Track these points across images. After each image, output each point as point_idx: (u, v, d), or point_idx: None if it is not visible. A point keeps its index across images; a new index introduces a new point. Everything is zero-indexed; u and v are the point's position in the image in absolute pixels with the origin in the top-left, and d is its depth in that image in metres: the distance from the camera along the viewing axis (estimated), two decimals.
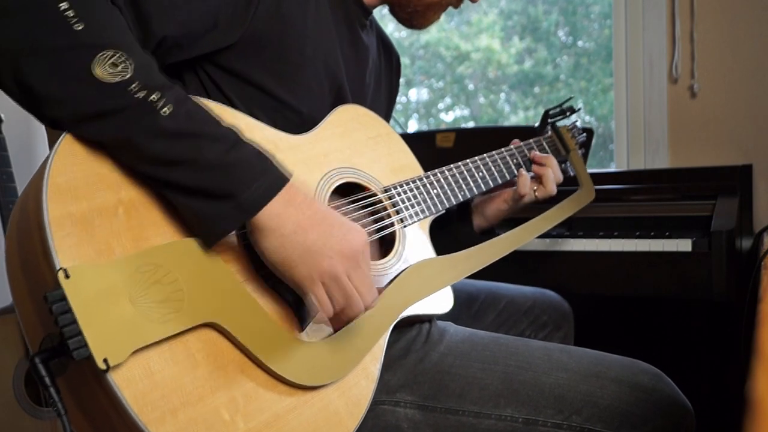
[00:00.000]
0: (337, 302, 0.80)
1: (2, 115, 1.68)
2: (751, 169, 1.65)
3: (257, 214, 0.74)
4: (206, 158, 0.72)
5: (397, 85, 1.32)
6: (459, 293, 1.25)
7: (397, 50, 1.31)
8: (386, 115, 1.27)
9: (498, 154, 1.22)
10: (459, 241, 1.18)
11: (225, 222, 0.73)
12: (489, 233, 1.28)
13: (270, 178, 0.75)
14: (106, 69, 0.69)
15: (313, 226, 0.77)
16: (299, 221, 0.76)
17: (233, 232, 0.81)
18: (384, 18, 1.17)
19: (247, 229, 0.78)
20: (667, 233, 1.41)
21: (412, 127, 3.04)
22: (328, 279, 0.78)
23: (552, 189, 1.23)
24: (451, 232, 1.23)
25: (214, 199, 0.72)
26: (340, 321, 0.83)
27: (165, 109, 0.71)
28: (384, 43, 1.25)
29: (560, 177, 1.25)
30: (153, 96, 0.71)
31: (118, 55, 0.70)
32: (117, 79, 0.69)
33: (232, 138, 0.75)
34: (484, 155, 1.20)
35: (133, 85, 0.70)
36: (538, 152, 1.26)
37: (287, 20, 0.93)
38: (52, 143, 0.71)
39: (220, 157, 0.72)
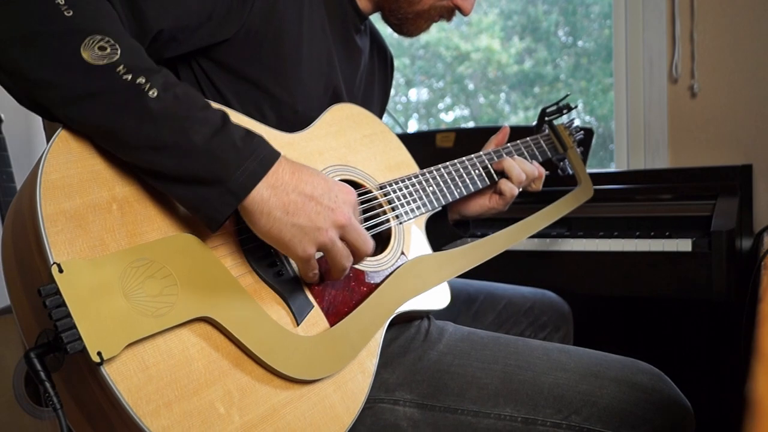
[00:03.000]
0: (336, 262, 0.82)
1: (2, 115, 1.68)
2: (751, 169, 1.65)
3: (245, 198, 0.74)
4: (192, 141, 0.71)
5: (391, 83, 1.33)
6: (458, 293, 1.25)
7: (390, 50, 1.32)
8: (380, 114, 1.28)
9: (495, 152, 1.22)
10: (431, 232, 1.16)
11: (218, 207, 0.73)
12: (463, 225, 1.27)
13: (256, 161, 0.74)
14: (94, 52, 0.70)
15: (302, 206, 0.77)
16: (286, 204, 0.76)
17: (230, 228, 0.81)
18: (379, 21, 1.18)
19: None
20: (667, 233, 1.41)
21: (412, 127, 3.04)
22: (324, 248, 0.80)
23: (518, 174, 1.18)
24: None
25: (202, 184, 0.72)
26: (340, 274, 0.84)
27: (151, 92, 0.71)
28: (378, 43, 1.26)
29: (527, 168, 1.21)
30: (139, 79, 0.71)
31: (106, 39, 0.71)
32: (104, 62, 0.70)
33: (218, 121, 0.74)
34: (480, 152, 1.19)
35: (120, 68, 0.70)
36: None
37: (283, 18, 0.94)
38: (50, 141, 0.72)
39: (205, 141, 0.72)
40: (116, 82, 0.70)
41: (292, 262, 0.86)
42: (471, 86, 2.95)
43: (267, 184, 0.75)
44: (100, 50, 0.70)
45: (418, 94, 3.07)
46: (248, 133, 0.76)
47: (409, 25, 1.13)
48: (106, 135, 0.72)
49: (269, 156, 0.76)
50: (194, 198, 0.73)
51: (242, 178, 0.73)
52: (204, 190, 0.72)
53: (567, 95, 1.36)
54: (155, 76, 0.72)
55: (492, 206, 1.22)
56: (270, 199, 0.75)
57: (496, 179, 1.20)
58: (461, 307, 1.28)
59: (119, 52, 0.71)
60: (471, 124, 2.93)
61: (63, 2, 0.70)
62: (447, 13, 1.13)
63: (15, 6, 0.70)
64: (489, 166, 1.19)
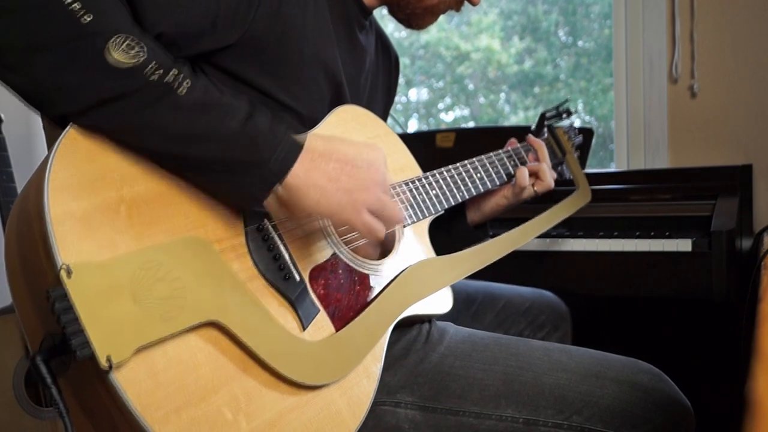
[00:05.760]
0: (389, 216, 0.87)
1: (2, 115, 1.68)
2: (751, 169, 1.65)
3: (288, 175, 0.77)
4: (229, 127, 0.74)
5: (396, 84, 1.32)
6: (457, 294, 1.25)
7: (396, 50, 1.31)
8: (383, 116, 1.28)
9: (496, 155, 1.22)
10: (451, 234, 1.21)
11: (259, 187, 0.75)
12: (482, 227, 1.29)
13: (290, 140, 0.78)
14: (121, 52, 0.69)
15: (343, 171, 0.81)
16: (328, 172, 0.80)
17: (238, 230, 0.81)
18: (384, 18, 1.18)
19: (281, 196, 0.79)
20: (667, 233, 1.41)
21: (412, 127, 3.04)
22: (373, 207, 0.83)
23: (549, 182, 1.24)
24: (443, 225, 1.23)
25: (243, 168, 0.74)
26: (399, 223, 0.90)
27: (184, 84, 0.72)
28: (383, 42, 1.25)
29: (553, 170, 1.27)
30: (172, 72, 0.72)
31: (131, 37, 0.70)
32: (135, 60, 0.70)
33: (246, 106, 0.77)
34: (482, 156, 1.20)
35: (151, 65, 0.71)
36: (531, 137, 1.29)
37: (287, 21, 0.93)
38: (50, 143, 0.71)
39: (240, 126, 0.74)
40: (148, 80, 0.70)
41: (299, 266, 0.86)
42: (471, 86, 2.95)
43: (306, 157, 0.78)
44: (128, 48, 0.70)
45: (418, 94, 3.07)
46: (275, 115, 0.79)
47: (417, 19, 1.13)
48: (137, 133, 0.72)
49: (298, 138, 0.79)
50: (235, 182, 0.75)
51: (281, 157, 0.76)
52: (244, 174, 0.75)
53: (567, 100, 1.37)
54: (184, 69, 0.74)
55: (507, 199, 1.25)
56: (311, 171, 0.79)
57: (498, 184, 1.22)
58: (460, 307, 1.28)
59: (146, 49, 0.71)
60: (471, 124, 2.93)
61: (79, 7, 0.69)
62: (455, 5, 1.13)
63: (28, 14, 0.68)
64: (490, 169, 1.20)
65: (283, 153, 0.76)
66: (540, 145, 1.28)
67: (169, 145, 0.73)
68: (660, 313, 1.75)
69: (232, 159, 0.74)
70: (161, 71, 0.71)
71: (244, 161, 0.74)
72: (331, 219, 0.84)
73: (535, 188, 1.23)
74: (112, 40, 0.69)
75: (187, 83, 0.72)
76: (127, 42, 0.70)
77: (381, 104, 1.26)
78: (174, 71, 0.72)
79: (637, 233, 1.44)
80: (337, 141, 0.83)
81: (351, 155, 0.82)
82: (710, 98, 1.92)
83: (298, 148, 0.78)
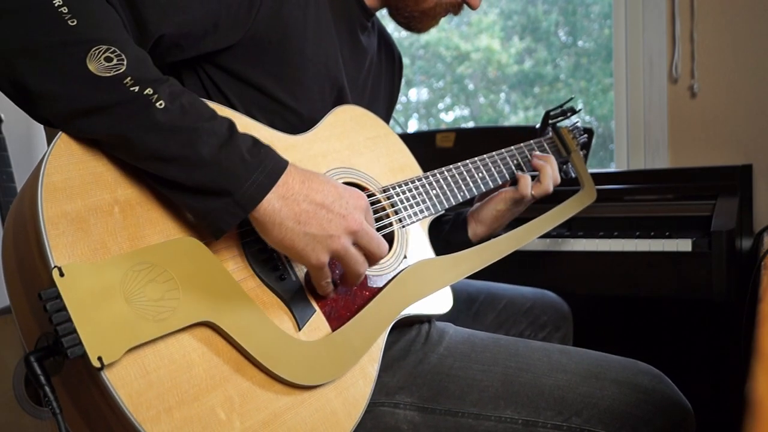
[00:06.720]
0: (351, 269, 0.82)
1: (2, 115, 1.68)
2: (751, 169, 1.65)
3: (254, 209, 0.74)
4: (200, 154, 0.71)
5: (399, 85, 1.32)
6: (458, 293, 1.25)
7: (399, 50, 1.31)
8: (386, 116, 1.27)
9: (498, 155, 1.22)
10: (450, 245, 1.18)
11: (224, 218, 0.73)
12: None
13: (264, 172, 0.74)
14: (100, 63, 0.69)
15: (314, 215, 0.77)
16: (298, 214, 0.76)
17: (233, 231, 0.81)
18: (385, 18, 1.17)
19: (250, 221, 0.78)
20: (667, 233, 1.41)
21: (412, 127, 3.04)
22: (337, 255, 0.80)
23: (548, 186, 1.20)
24: (447, 242, 1.22)
25: (210, 195, 0.72)
26: (355, 280, 0.85)
27: (159, 103, 0.70)
28: (386, 43, 1.25)
29: (558, 177, 1.23)
30: (147, 90, 0.70)
31: (111, 49, 0.70)
32: (111, 74, 0.69)
33: (225, 132, 0.74)
34: (484, 156, 1.19)
35: (127, 80, 0.70)
36: (538, 152, 1.26)
37: (288, 22, 0.93)
38: (51, 142, 0.71)
39: (213, 153, 0.72)
40: (124, 95, 0.69)
41: (295, 266, 0.86)
42: (471, 86, 2.95)
43: (277, 195, 0.75)
44: (106, 61, 0.69)
45: (418, 94, 3.07)
46: (255, 143, 0.76)
47: (416, 22, 1.13)
48: (113, 144, 0.72)
49: (277, 167, 0.76)
50: (201, 207, 0.73)
51: (251, 191, 0.73)
52: (211, 201, 0.72)
53: (571, 98, 1.36)
54: (162, 87, 0.72)
55: (505, 203, 1.20)
56: (281, 209, 0.75)
57: (500, 183, 1.20)
58: (461, 306, 1.28)
59: (125, 62, 0.70)
60: (471, 124, 2.93)
61: (66, 11, 0.69)
62: (454, 8, 1.12)
63: (16, 16, 0.68)
64: (492, 168, 1.19)
65: (253, 187, 0.73)
66: (547, 158, 1.23)
67: (140, 163, 0.72)
68: (660, 313, 1.75)
69: (200, 185, 0.72)
70: (136, 88, 0.70)
71: (212, 189, 0.72)
72: (290, 257, 0.81)
73: (533, 191, 1.19)
74: (93, 50, 0.69)
75: (161, 105, 0.70)
76: (105, 54, 0.69)
77: (383, 104, 1.26)
78: (149, 90, 0.70)
79: (637, 233, 1.44)
80: (317, 180, 0.79)
81: (329, 199, 0.78)
82: (710, 98, 1.92)
83: (271, 183, 0.74)
